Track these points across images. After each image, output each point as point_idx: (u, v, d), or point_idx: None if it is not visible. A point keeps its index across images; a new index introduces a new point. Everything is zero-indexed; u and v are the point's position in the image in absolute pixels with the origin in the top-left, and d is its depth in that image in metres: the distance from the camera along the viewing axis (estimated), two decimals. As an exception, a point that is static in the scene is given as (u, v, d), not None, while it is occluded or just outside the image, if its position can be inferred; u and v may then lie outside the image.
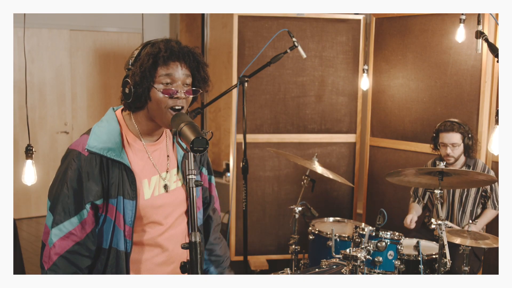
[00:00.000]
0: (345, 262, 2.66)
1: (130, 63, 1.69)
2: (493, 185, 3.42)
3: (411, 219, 3.47)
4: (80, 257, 1.65)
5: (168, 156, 1.82)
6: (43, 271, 1.64)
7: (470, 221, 3.12)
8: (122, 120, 1.76)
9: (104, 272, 1.71)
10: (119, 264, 1.70)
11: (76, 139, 1.72)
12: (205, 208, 2.01)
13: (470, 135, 3.42)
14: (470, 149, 3.45)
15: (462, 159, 3.48)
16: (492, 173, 3.49)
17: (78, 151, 1.66)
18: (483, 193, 3.48)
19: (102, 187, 1.66)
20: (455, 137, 3.40)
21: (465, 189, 3.48)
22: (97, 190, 1.65)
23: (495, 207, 3.43)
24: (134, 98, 1.67)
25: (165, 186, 1.78)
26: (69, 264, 1.64)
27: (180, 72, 1.66)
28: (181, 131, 1.53)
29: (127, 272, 1.72)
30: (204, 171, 1.98)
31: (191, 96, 1.70)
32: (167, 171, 1.80)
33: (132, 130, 1.75)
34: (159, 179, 1.77)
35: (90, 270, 1.70)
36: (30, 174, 3.12)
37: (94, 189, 1.65)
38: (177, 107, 1.66)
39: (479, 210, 3.52)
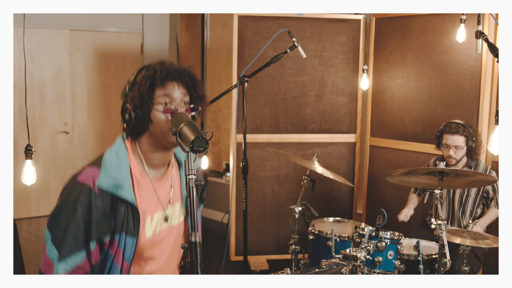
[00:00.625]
0: (345, 262, 2.66)
1: (127, 89, 1.70)
2: (495, 186, 3.41)
3: (405, 214, 3.49)
4: None
5: (171, 186, 1.81)
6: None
7: (470, 221, 3.11)
8: (131, 151, 1.73)
9: None
10: None
11: (84, 170, 1.68)
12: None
13: (474, 138, 3.40)
14: (473, 152, 3.43)
15: (464, 160, 3.47)
16: (494, 174, 3.49)
17: (88, 187, 1.62)
18: (484, 194, 3.47)
19: (110, 225, 1.65)
20: (459, 140, 3.38)
21: (465, 190, 3.48)
22: (106, 227, 1.64)
23: (497, 205, 3.43)
24: (135, 122, 1.66)
25: (166, 218, 1.77)
26: None
27: (177, 91, 1.67)
28: (181, 131, 1.53)
29: None
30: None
31: (191, 114, 1.71)
32: (169, 202, 1.79)
33: (139, 164, 1.73)
34: (162, 214, 1.77)
35: None
36: (30, 174, 3.12)
37: (105, 226, 1.63)
38: None
39: (479, 211, 3.52)
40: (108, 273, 1.69)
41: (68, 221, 1.61)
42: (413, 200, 3.68)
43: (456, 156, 3.40)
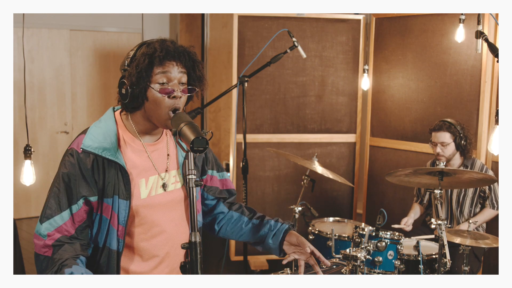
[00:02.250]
0: (345, 262, 2.66)
1: (126, 64, 1.71)
2: (491, 185, 3.41)
3: (405, 222, 3.49)
4: (74, 245, 1.66)
5: (168, 155, 1.82)
6: (44, 261, 1.65)
7: (470, 221, 3.12)
8: (120, 120, 1.77)
9: (94, 271, 1.72)
10: (110, 263, 1.71)
11: (74, 139, 1.74)
12: (230, 203, 2.04)
13: (462, 135, 3.40)
14: (464, 150, 3.44)
15: (459, 159, 3.47)
16: (490, 172, 3.49)
17: (73, 149, 1.68)
18: (481, 194, 3.48)
19: (96, 186, 1.67)
20: (443, 136, 3.40)
21: (463, 189, 3.48)
22: (89, 187, 1.66)
23: (494, 206, 3.43)
24: (131, 98, 1.68)
25: (164, 185, 1.78)
26: (66, 247, 1.65)
27: (176, 71, 1.68)
28: (181, 131, 1.53)
29: (118, 272, 1.72)
30: (212, 172, 1.99)
31: (188, 94, 1.71)
32: (166, 171, 1.80)
33: (130, 130, 1.76)
34: (157, 179, 1.77)
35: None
36: (29, 174, 3.11)
37: (87, 186, 1.66)
38: (175, 108, 1.67)
39: (477, 210, 3.52)
40: (106, 236, 1.71)
41: (54, 183, 1.68)
42: (415, 209, 3.68)
43: (444, 153, 3.41)
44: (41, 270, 1.67)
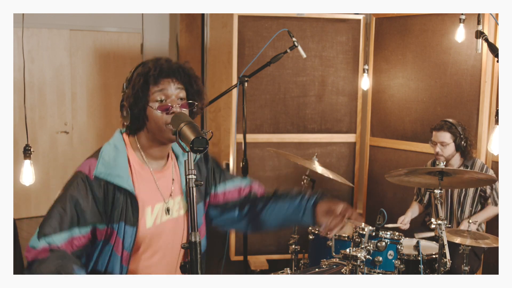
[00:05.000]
0: (345, 262, 2.66)
1: (124, 86, 1.71)
2: (493, 184, 3.41)
3: (402, 221, 3.49)
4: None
5: (173, 179, 1.82)
6: (35, 266, 1.58)
7: (470, 221, 3.12)
8: (129, 144, 1.75)
9: None
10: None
11: (83, 162, 1.70)
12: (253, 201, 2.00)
13: (462, 136, 3.40)
14: (464, 151, 3.43)
15: (459, 160, 3.47)
16: (491, 172, 3.49)
17: (85, 174, 1.65)
18: (481, 193, 3.47)
19: (105, 213, 1.65)
20: (443, 136, 3.41)
21: (463, 189, 3.48)
22: (99, 215, 1.64)
23: (497, 204, 3.43)
24: (132, 119, 1.69)
25: (168, 210, 1.77)
26: (60, 255, 1.58)
27: (172, 88, 1.68)
28: (181, 131, 1.53)
29: None
30: (229, 184, 1.97)
31: (187, 109, 1.71)
32: (170, 196, 1.79)
33: (138, 156, 1.75)
34: (163, 206, 1.77)
35: None
36: (28, 174, 3.11)
37: (97, 214, 1.64)
38: None
39: (478, 210, 3.52)
40: (108, 262, 1.69)
41: (56, 203, 1.64)
42: (413, 208, 3.67)
43: (443, 153, 3.41)
44: (35, 270, 1.59)
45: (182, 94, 1.70)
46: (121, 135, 1.76)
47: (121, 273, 1.70)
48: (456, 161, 3.47)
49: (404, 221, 3.51)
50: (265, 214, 1.96)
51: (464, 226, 3.30)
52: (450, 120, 3.48)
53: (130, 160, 1.72)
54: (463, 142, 3.40)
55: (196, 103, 1.74)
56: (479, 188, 3.46)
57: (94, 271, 1.71)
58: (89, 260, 1.70)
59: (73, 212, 1.62)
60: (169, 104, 1.66)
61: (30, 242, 1.62)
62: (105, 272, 1.70)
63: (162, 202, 1.76)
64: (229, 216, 1.99)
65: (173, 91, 1.68)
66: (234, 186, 1.99)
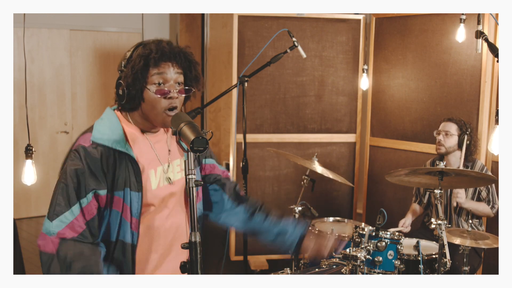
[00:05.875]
0: (345, 262, 2.66)
1: (122, 65, 1.72)
2: (489, 187, 3.41)
3: (403, 224, 3.49)
4: (85, 244, 1.64)
5: (169, 150, 1.84)
6: (49, 259, 1.61)
7: (470, 221, 3.12)
8: (121, 117, 1.77)
9: (110, 264, 1.71)
10: (125, 256, 1.70)
11: (77, 139, 1.73)
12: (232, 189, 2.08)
13: (468, 134, 3.41)
14: (467, 152, 3.43)
15: (459, 160, 3.47)
16: (489, 173, 3.49)
17: (81, 145, 1.67)
18: (480, 196, 3.47)
19: (105, 179, 1.66)
20: (450, 126, 3.44)
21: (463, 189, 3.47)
22: (98, 181, 1.65)
23: (489, 204, 3.42)
24: (127, 99, 1.69)
25: (168, 179, 1.79)
26: (75, 245, 1.61)
27: (172, 72, 1.68)
28: (181, 131, 1.53)
29: (133, 264, 1.72)
30: (211, 161, 2.03)
31: (184, 95, 1.72)
32: (168, 164, 1.81)
33: (131, 127, 1.76)
34: (162, 170, 1.79)
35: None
36: (30, 174, 3.12)
37: (95, 180, 1.64)
38: (172, 107, 1.68)
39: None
40: (118, 230, 1.69)
41: (58, 182, 1.65)
42: (413, 210, 3.68)
43: (445, 143, 3.42)
44: (51, 268, 1.61)
45: (181, 79, 1.71)
46: (113, 111, 1.78)
47: (132, 240, 1.70)
48: (456, 161, 3.47)
49: (405, 224, 3.51)
50: (257, 221, 2.11)
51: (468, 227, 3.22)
52: (460, 118, 3.52)
53: (125, 127, 1.74)
54: (466, 139, 3.40)
55: (193, 90, 1.75)
56: (477, 189, 3.46)
57: (107, 241, 1.70)
58: (101, 230, 1.70)
59: (74, 182, 1.63)
60: (167, 89, 1.67)
61: (44, 228, 1.63)
62: (117, 240, 1.70)
63: (160, 166, 1.78)
64: (216, 198, 2.07)
65: (172, 75, 1.68)
66: (214, 162, 2.06)
